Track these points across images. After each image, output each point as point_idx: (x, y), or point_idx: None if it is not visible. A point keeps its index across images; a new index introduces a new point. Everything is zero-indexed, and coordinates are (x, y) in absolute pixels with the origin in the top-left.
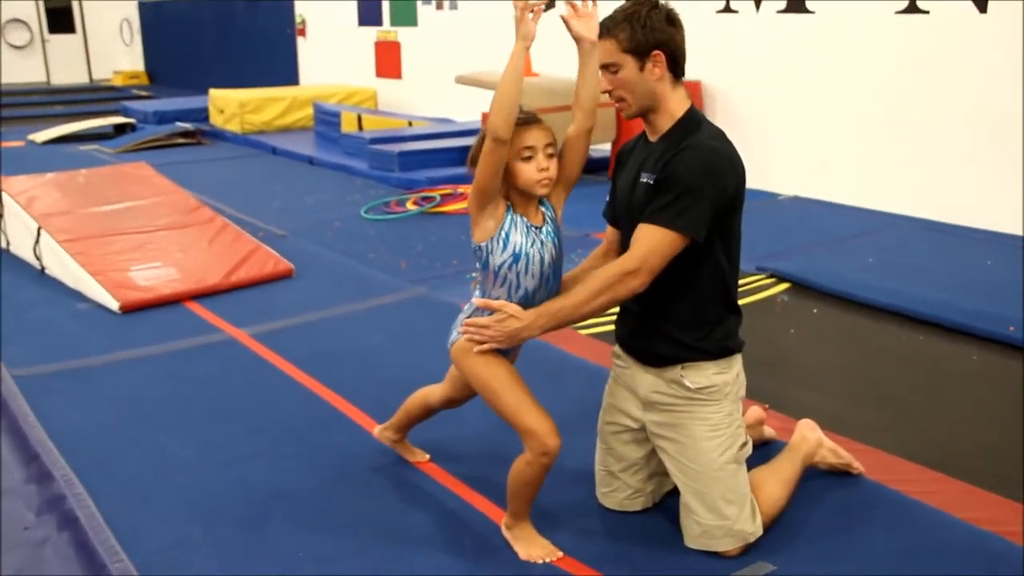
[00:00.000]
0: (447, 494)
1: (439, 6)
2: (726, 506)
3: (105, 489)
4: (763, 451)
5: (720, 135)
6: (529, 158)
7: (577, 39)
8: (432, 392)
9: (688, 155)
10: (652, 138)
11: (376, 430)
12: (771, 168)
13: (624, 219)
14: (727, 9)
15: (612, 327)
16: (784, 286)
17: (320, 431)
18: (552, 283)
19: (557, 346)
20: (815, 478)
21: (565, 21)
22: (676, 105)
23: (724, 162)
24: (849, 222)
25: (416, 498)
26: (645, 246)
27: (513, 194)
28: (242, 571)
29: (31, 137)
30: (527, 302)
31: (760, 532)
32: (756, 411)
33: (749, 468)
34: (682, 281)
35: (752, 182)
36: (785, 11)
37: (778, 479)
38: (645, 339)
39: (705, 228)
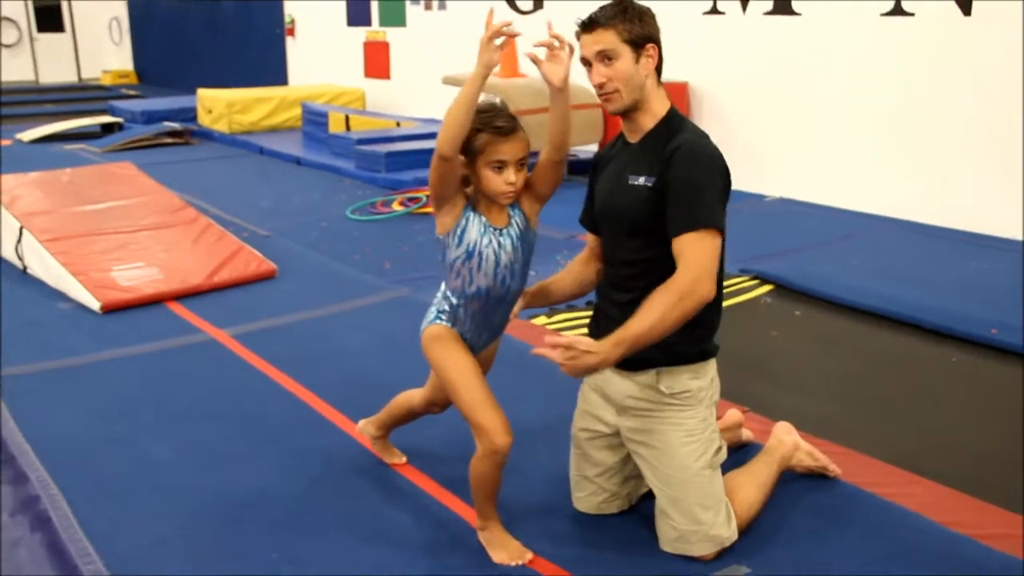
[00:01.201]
0: (424, 496)
1: (428, 6)
2: (702, 512)
3: (81, 490)
4: (740, 454)
5: (704, 133)
6: (499, 169)
7: (547, 81)
8: (415, 395)
9: (691, 153)
10: (632, 139)
11: (359, 424)
12: (758, 169)
13: (606, 222)
14: (714, 11)
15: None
16: (767, 288)
17: (299, 433)
18: (509, 283)
19: (522, 340)
20: (791, 481)
21: (536, 62)
22: (658, 104)
23: (721, 159)
24: (835, 224)
25: (394, 500)
26: (694, 254)
27: (479, 193)
28: (217, 571)
29: (18, 136)
30: (480, 298)
31: (735, 536)
32: (734, 414)
33: (726, 471)
34: (661, 282)
35: (739, 183)
36: (772, 13)
37: (754, 483)
38: None
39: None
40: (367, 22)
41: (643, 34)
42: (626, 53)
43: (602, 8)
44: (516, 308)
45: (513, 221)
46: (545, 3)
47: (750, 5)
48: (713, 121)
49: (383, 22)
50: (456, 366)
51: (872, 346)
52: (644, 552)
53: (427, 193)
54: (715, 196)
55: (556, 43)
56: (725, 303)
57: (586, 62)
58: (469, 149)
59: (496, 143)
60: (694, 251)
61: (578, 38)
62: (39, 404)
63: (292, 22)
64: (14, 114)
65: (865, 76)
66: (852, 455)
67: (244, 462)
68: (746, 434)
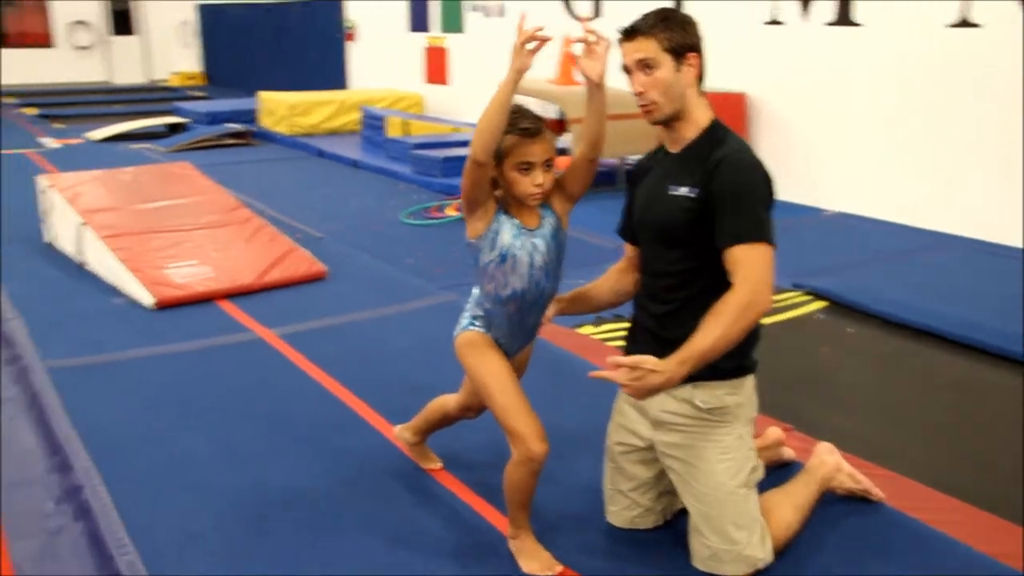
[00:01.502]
0: (457, 502)
1: (487, 13)
2: (735, 531)
3: (122, 482)
4: (781, 473)
5: (747, 145)
6: (526, 170)
7: (585, 77)
8: (450, 400)
9: (738, 164)
10: (673, 149)
11: (396, 430)
12: (816, 183)
13: (645, 232)
14: (774, 21)
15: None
16: (820, 304)
17: (337, 433)
18: (544, 285)
19: (575, 353)
20: (832, 503)
21: (574, 59)
22: (701, 114)
23: (766, 170)
24: (896, 240)
25: (426, 504)
26: (750, 265)
27: (509, 196)
28: (246, 570)
29: (88, 135)
30: (515, 300)
31: (770, 558)
32: (775, 432)
33: (764, 490)
34: (699, 295)
35: (796, 197)
36: (833, 23)
37: (792, 503)
38: (657, 356)
39: None
40: (427, 28)
41: (685, 43)
42: (667, 62)
43: (644, 16)
44: (549, 313)
45: (545, 222)
46: (604, 10)
47: (811, 15)
48: (771, 133)
49: (443, 28)
50: (491, 371)
51: (926, 367)
52: (676, 569)
53: None
54: (764, 208)
55: (592, 38)
56: (776, 318)
57: (627, 70)
58: (496, 151)
59: (523, 144)
60: (750, 263)
61: (620, 45)
62: (87, 396)
63: (353, 27)
64: (87, 114)
65: (929, 88)
66: (897, 478)
67: (280, 461)
68: (788, 453)
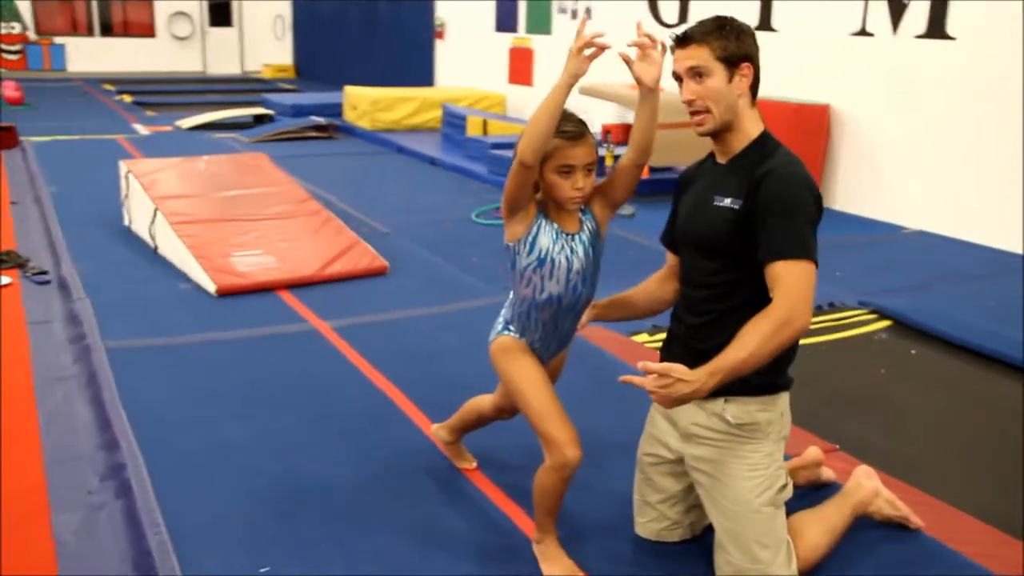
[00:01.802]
0: (486, 502)
1: (574, 15)
2: (760, 550)
3: (163, 463)
4: (817, 494)
5: (798, 159)
6: (567, 174)
7: (638, 81)
8: (485, 400)
9: (785, 178)
10: (722, 159)
11: (432, 428)
12: (898, 199)
13: (686, 241)
14: (862, 32)
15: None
16: (885, 323)
17: (377, 427)
18: (581, 290)
19: (625, 360)
20: (868, 529)
21: (627, 62)
22: (752, 126)
23: (814, 186)
24: (975, 261)
25: (455, 503)
26: (791, 282)
27: (549, 199)
28: (267, 556)
29: (178, 123)
30: (551, 305)
31: None
32: (814, 451)
33: (796, 510)
34: (736, 308)
35: (876, 213)
36: (924, 36)
37: (821, 526)
38: (689, 367)
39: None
40: (514, 28)
41: (738, 52)
42: (719, 71)
43: (699, 23)
44: (585, 319)
45: (585, 226)
46: (689, 15)
47: (901, 27)
48: (854, 147)
49: (529, 29)
50: (526, 377)
51: (986, 393)
52: None
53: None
54: (810, 225)
55: (648, 42)
56: (837, 336)
57: (678, 77)
58: None
59: (564, 148)
60: (791, 279)
61: (672, 52)
62: (141, 377)
63: (443, 25)
64: (179, 102)
65: (1022, 105)
66: (942, 507)
67: (316, 451)
68: (827, 473)
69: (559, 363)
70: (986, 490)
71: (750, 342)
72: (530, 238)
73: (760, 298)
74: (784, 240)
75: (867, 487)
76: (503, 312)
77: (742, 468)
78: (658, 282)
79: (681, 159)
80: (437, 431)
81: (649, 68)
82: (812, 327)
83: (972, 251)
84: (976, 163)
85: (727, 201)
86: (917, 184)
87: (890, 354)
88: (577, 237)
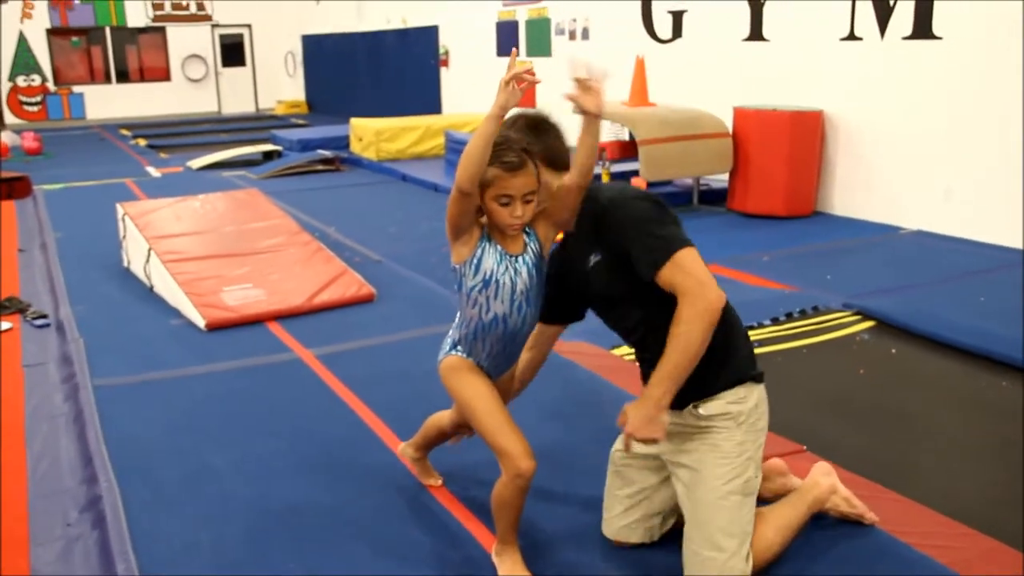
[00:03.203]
0: (449, 518)
1: (572, 37)
2: (724, 538)
3: (140, 493)
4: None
5: (620, 184)
6: (506, 204)
7: (582, 111)
8: (444, 416)
9: (614, 207)
10: (571, 229)
11: (400, 447)
12: (894, 201)
13: (595, 307)
14: (851, 36)
15: None
16: (868, 324)
17: (352, 451)
18: (526, 310)
19: (599, 374)
20: (826, 527)
21: (572, 99)
22: (570, 190)
23: (641, 192)
24: (971, 258)
25: (420, 520)
26: (681, 276)
27: (492, 224)
28: None
29: (189, 164)
30: (497, 325)
31: (749, 572)
32: (776, 464)
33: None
34: (663, 324)
35: (874, 215)
36: (911, 37)
37: (776, 523)
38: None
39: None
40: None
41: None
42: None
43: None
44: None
45: (528, 248)
46: (684, 32)
47: (888, 30)
48: (848, 150)
49: (530, 52)
50: (475, 395)
51: (966, 389)
52: None
53: None
54: (661, 224)
55: (585, 77)
56: (818, 339)
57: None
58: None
59: (504, 178)
60: (679, 274)
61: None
62: (125, 412)
63: (446, 53)
64: (192, 143)
65: (1010, 103)
66: (905, 502)
67: (291, 476)
68: (794, 483)
69: (509, 379)
70: (955, 484)
71: (678, 343)
72: (475, 260)
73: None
74: (650, 250)
75: (824, 484)
76: (451, 333)
77: (713, 456)
78: (528, 352)
79: (678, 172)
80: (404, 449)
81: (591, 98)
82: (792, 331)
83: (969, 249)
84: (970, 161)
85: (593, 259)
86: (913, 184)
87: (870, 355)
88: (521, 258)
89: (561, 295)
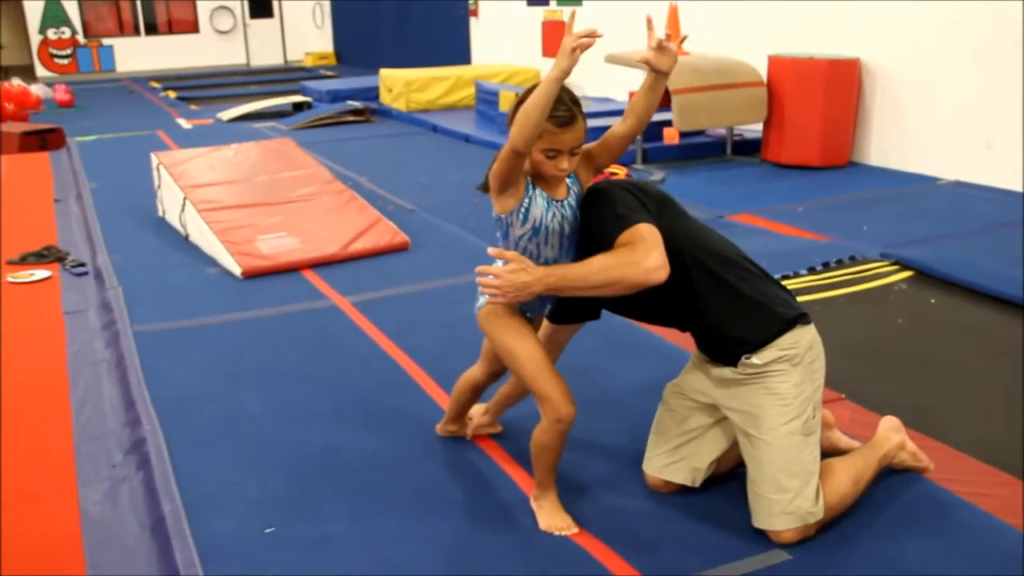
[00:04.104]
0: (489, 463)
1: None
2: (787, 479)
3: (182, 436)
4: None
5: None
6: (553, 157)
7: (655, 69)
8: (473, 372)
9: (596, 198)
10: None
11: (437, 428)
12: (932, 151)
13: (627, 310)
14: None
15: None
16: (906, 274)
17: (389, 396)
18: (571, 252)
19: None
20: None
21: (647, 60)
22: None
23: (625, 182)
24: (1010, 209)
25: (458, 464)
26: (638, 236)
27: (535, 172)
28: (276, 518)
29: (219, 115)
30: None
31: (821, 514)
32: (823, 413)
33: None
34: (688, 296)
35: (911, 165)
36: None
37: (849, 474)
38: (709, 350)
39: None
40: (546, 1)
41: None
42: None
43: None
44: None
45: (572, 191)
46: None
47: None
48: (885, 100)
49: (560, 1)
50: (516, 339)
51: (1006, 339)
52: (691, 532)
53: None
54: (627, 207)
55: (664, 40)
56: (856, 288)
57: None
58: None
59: (555, 133)
60: (635, 236)
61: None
62: (165, 357)
63: (476, 3)
64: (222, 95)
65: None
66: (945, 450)
67: (329, 420)
68: (844, 441)
69: (540, 321)
70: (997, 434)
71: (594, 264)
72: (523, 209)
73: (691, 280)
74: (617, 220)
75: (894, 440)
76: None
77: (771, 399)
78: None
79: (711, 122)
80: (443, 429)
81: (666, 58)
82: (829, 281)
83: (1007, 199)
84: (1011, 109)
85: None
86: (950, 134)
87: (908, 304)
88: (565, 202)
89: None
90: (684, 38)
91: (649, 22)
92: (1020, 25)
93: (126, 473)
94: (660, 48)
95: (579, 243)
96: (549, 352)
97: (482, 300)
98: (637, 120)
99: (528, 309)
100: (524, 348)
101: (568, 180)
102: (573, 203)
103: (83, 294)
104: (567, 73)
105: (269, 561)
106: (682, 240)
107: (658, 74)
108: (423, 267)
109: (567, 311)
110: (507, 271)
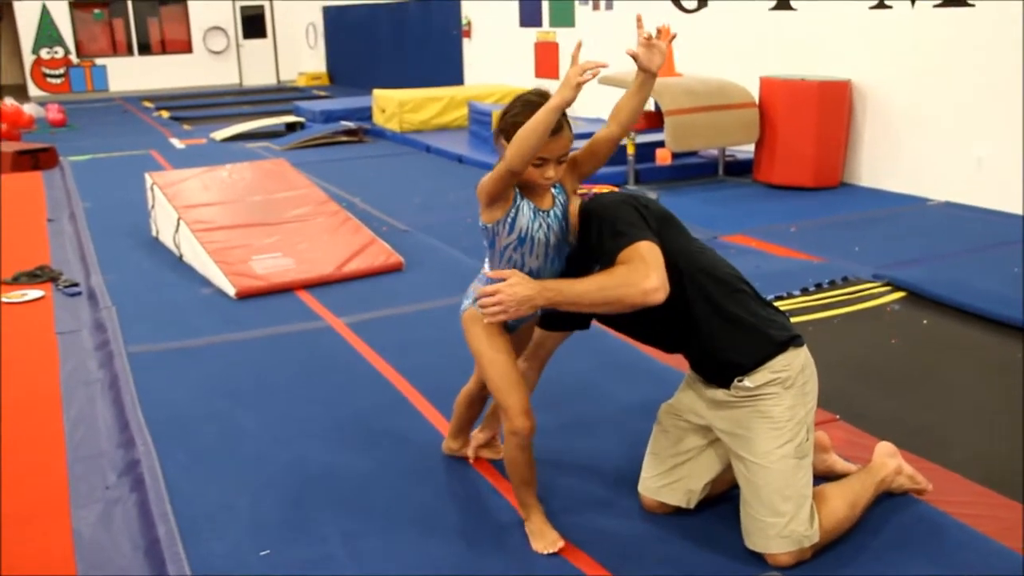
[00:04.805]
0: (484, 484)
1: (595, 7)
2: (781, 502)
3: (177, 456)
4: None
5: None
6: (540, 165)
7: (642, 68)
8: (471, 387)
9: (597, 210)
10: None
11: (443, 447)
12: (923, 171)
13: (623, 325)
14: (880, 4)
15: None
16: (899, 295)
17: (384, 416)
18: (555, 262)
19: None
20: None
21: (634, 57)
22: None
23: (627, 196)
24: (1001, 229)
25: (454, 486)
26: (637, 255)
27: (521, 182)
28: (272, 540)
29: (212, 135)
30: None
31: (816, 538)
32: (818, 436)
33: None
34: (683, 316)
35: (902, 186)
36: (942, 5)
37: (846, 498)
38: (702, 371)
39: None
40: (538, 23)
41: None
42: None
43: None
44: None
45: (557, 201)
46: (709, 2)
47: None
48: (877, 120)
49: (553, 22)
50: (488, 348)
51: (999, 360)
52: (688, 559)
53: (586, 190)
54: (630, 223)
55: (652, 36)
56: (848, 309)
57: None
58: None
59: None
60: (635, 255)
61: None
62: (159, 378)
63: (468, 23)
64: (214, 115)
65: None
66: (940, 471)
67: (325, 441)
68: (840, 465)
69: (528, 329)
70: (988, 453)
71: (593, 282)
72: (509, 219)
73: (688, 301)
74: (615, 236)
75: (891, 465)
76: (474, 284)
77: (763, 423)
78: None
79: (704, 143)
80: (447, 447)
81: (654, 56)
82: (823, 302)
83: (997, 220)
84: (999, 131)
85: (596, 269)
86: (941, 155)
87: (902, 325)
88: (551, 212)
89: None
90: (673, 36)
91: (639, 20)
92: (1010, 47)
93: (120, 494)
94: (649, 45)
95: (576, 255)
96: (536, 357)
97: (467, 303)
98: (620, 126)
99: (512, 324)
100: (495, 358)
101: (554, 190)
102: (559, 213)
103: (76, 314)
104: (569, 104)
105: None
106: (680, 259)
107: (646, 74)
108: (417, 287)
109: (557, 319)
110: (507, 286)
